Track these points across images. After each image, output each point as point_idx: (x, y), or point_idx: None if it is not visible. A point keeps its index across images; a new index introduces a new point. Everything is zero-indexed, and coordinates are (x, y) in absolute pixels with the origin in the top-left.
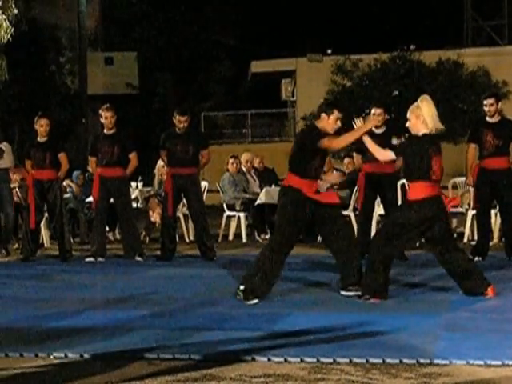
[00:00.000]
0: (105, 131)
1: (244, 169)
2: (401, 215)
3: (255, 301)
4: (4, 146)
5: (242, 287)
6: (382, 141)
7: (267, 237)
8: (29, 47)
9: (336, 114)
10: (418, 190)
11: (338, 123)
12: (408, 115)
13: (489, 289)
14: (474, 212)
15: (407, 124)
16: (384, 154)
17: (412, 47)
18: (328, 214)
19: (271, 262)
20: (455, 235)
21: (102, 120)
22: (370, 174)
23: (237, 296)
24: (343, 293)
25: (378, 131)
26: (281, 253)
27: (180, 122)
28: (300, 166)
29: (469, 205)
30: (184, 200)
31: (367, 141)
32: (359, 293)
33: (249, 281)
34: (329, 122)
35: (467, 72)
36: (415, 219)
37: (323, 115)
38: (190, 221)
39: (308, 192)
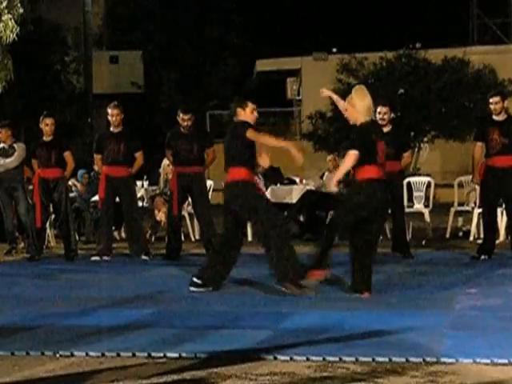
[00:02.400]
0: (111, 129)
1: None
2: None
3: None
4: (17, 145)
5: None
6: (389, 139)
7: None
8: (34, 46)
9: (250, 105)
10: (367, 172)
11: (255, 113)
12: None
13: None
14: (480, 210)
15: (345, 114)
16: (351, 157)
17: (418, 45)
18: None
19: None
20: (461, 233)
21: (109, 117)
22: None
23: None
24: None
25: (385, 130)
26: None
27: (183, 120)
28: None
29: (475, 203)
30: (189, 199)
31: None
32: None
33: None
34: (246, 114)
35: (473, 70)
36: (364, 199)
37: (239, 110)
38: (195, 219)
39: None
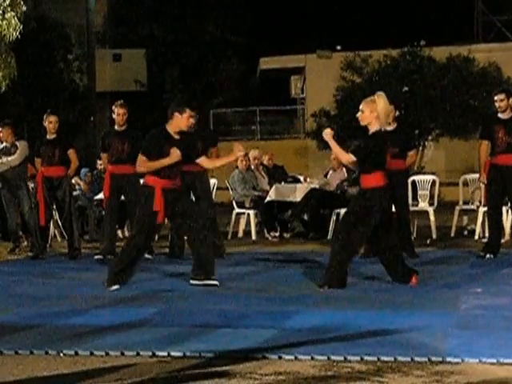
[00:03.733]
0: (116, 127)
1: (252, 166)
2: (356, 204)
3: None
4: (19, 143)
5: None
6: (394, 137)
7: (277, 234)
8: (37, 45)
9: (188, 112)
10: (373, 180)
11: (191, 120)
12: (362, 107)
13: (413, 278)
14: (486, 209)
15: (358, 114)
16: (345, 157)
17: (422, 43)
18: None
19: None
20: (466, 232)
21: (114, 116)
22: None
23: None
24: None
25: (389, 128)
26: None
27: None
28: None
29: (480, 202)
30: (192, 197)
31: (332, 143)
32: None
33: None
34: (182, 119)
35: (478, 68)
36: (369, 205)
37: (176, 114)
38: None
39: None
